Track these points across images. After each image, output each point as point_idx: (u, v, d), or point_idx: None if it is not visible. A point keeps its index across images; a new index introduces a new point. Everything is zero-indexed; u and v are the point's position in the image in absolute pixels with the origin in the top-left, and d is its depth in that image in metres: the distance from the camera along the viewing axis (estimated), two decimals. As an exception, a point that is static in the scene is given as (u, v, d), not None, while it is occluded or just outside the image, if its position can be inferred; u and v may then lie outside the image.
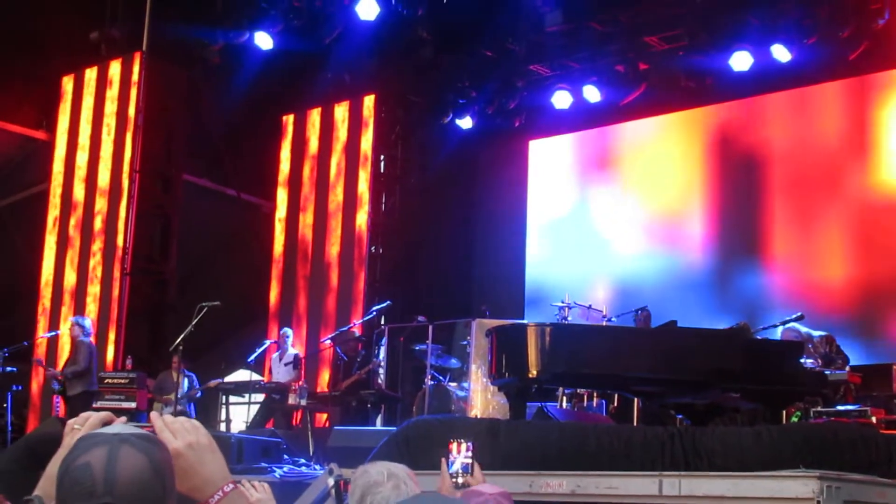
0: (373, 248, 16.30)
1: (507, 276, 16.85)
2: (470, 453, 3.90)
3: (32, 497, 2.11)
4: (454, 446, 3.91)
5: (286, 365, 13.48)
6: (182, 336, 11.51)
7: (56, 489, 1.93)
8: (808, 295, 13.69)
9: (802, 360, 9.31)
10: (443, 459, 3.93)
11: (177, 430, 2.18)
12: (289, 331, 14.11)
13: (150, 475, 1.92)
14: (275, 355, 13.93)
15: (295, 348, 14.08)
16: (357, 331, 14.33)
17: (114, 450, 1.91)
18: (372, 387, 12.99)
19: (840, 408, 9.88)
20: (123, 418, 2.21)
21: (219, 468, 2.20)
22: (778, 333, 10.78)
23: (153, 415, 2.22)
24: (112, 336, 14.56)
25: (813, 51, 13.54)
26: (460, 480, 3.89)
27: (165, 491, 1.96)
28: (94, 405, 12.55)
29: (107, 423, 2.23)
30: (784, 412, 9.14)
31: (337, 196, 16.38)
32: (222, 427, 12.87)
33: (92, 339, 13.32)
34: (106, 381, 12.69)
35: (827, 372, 9.95)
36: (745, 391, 8.39)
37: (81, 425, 2.26)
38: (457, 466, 3.89)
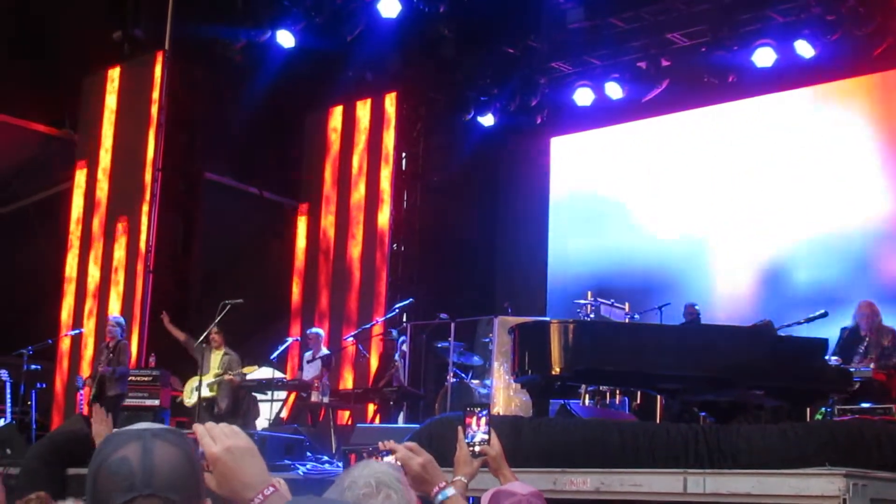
0: (395, 245, 16.29)
1: (529, 273, 16.83)
2: (487, 426, 3.89)
3: None
4: (472, 420, 3.90)
5: (315, 363, 13.40)
6: (205, 333, 11.56)
7: (89, 487, 1.93)
8: (823, 295, 13.63)
9: (827, 358, 9.26)
10: (459, 428, 3.91)
11: (216, 436, 2.20)
12: (320, 331, 13.96)
13: (186, 466, 1.95)
14: (307, 354, 13.72)
15: (324, 347, 13.99)
16: (396, 329, 14.13)
17: (148, 443, 1.93)
18: (394, 384, 13.00)
19: (865, 405, 9.81)
20: None
21: (258, 471, 2.20)
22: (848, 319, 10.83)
23: (195, 424, 2.22)
24: (136, 334, 14.61)
25: (836, 47, 13.46)
26: (477, 449, 3.87)
27: (199, 483, 1.99)
28: (121, 404, 12.60)
29: None
30: (808, 409, 9.09)
31: (359, 194, 16.39)
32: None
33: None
34: (130, 378, 12.73)
35: (851, 369, 9.89)
36: (769, 388, 8.35)
37: None
38: (477, 438, 3.88)
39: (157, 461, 1.91)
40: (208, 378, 12.56)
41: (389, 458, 3.39)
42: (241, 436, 2.23)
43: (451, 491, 3.23)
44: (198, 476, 1.99)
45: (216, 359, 12.71)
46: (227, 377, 12.62)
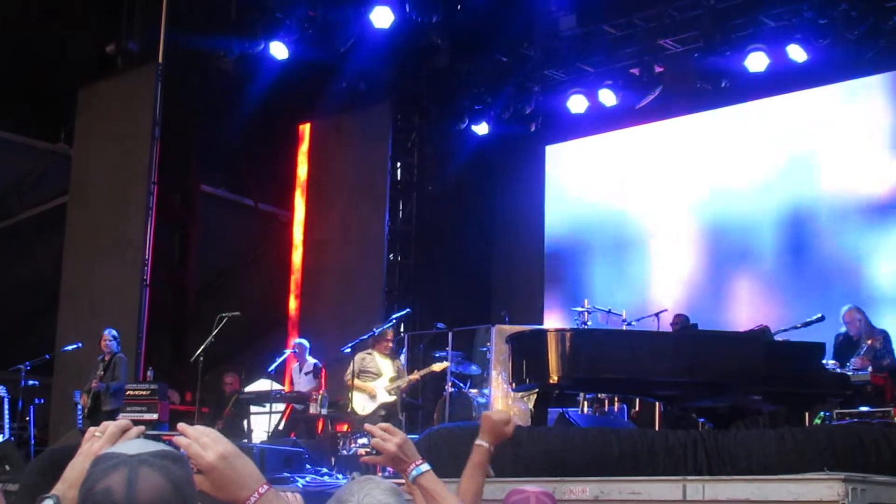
0: (391, 255, 16.30)
1: (525, 282, 16.84)
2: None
3: (50, 495, 2.12)
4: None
5: (306, 374, 13.46)
6: (203, 346, 11.54)
7: None
8: (819, 299, 13.64)
9: (824, 362, 9.26)
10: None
11: (205, 443, 2.22)
12: (305, 341, 13.97)
13: (171, 495, 1.93)
14: (294, 366, 13.86)
15: (314, 357, 14.03)
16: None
17: (133, 472, 1.91)
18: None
19: (864, 409, 9.82)
20: (142, 428, 2.23)
21: (251, 471, 2.26)
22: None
23: (177, 438, 2.21)
24: (133, 348, 14.57)
25: (829, 50, 13.47)
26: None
27: None
28: (117, 417, 12.54)
29: (125, 429, 2.25)
30: (807, 414, 9.10)
31: (354, 204, 16.39)
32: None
33: (120, 351, 13.36)
34: (128, 392, 12.71)
35: (850, 373, 9.90)
36: (767, 394, 8.36)
37: (102, 433, 2.28)
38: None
39: (140, 493, 1.89)
40: (385, 383, 11.94)
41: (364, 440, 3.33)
42: (224, 438, 2.26)
43: (425, 467, 3.26)
44: (185, 502, 1.96)
45: (389, 364, 12.12)
46: (413, 377, 12.10)
